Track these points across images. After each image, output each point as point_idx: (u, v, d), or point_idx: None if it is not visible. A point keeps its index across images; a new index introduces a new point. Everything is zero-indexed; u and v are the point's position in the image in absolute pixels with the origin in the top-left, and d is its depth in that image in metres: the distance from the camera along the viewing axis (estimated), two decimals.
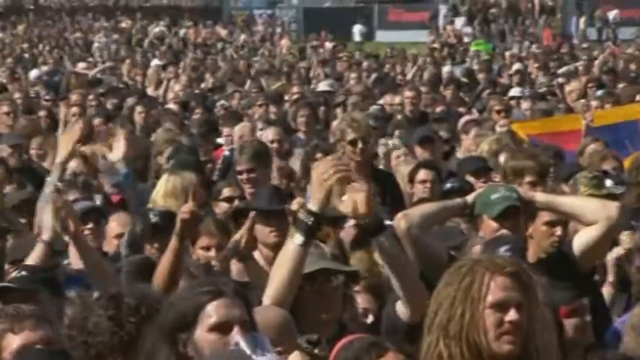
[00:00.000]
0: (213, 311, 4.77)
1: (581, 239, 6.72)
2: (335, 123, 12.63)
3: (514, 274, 4.88)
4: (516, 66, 24.37)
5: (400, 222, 6.71)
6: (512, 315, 4.76)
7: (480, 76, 22.79)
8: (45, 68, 26.24)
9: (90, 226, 7.93)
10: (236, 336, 4.71)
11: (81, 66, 27.97)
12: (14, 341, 5.01)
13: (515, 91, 17.21)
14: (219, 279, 5.61)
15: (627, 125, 11.87)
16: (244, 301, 4.91)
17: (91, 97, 17.92)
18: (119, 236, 8.00)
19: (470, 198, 7.18)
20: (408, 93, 16.58)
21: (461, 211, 7.26)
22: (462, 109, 16.03)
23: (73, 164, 10.36)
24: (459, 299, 4.78)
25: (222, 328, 4.74)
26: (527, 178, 8.84)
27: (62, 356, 4.86)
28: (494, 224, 6.90)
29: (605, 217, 6.69)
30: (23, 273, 6.56)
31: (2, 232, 7.96)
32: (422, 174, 10.11)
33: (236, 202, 9.04)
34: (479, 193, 7.24)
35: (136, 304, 5.27)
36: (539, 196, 7.20)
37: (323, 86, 20.47)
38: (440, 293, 4.88)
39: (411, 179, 10.25)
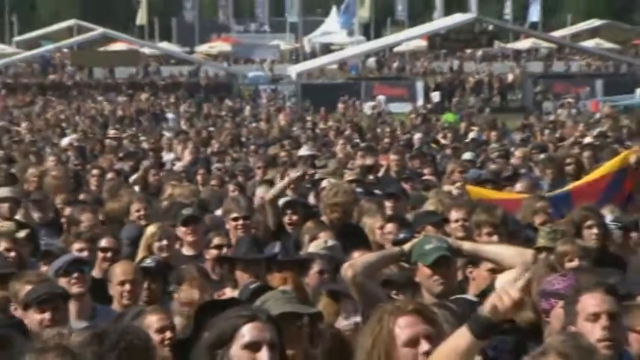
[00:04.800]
0: (246, 332, 4.76)
1: (502, 280, 6.63)
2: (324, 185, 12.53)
3: (416, 310, 4.81)
4: (472, 134, 24.47)
5: (347, 271, 6.66)
6: (424, 346, 4.69)
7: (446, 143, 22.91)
8: (75, 136, 26.16)
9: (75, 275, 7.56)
10: (264, 355, 4.75)
11: (112, 132, 28.03)
12: None
13: (467, 155, 17.17)
14: (256, 307, 5.57)
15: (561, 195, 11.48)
16: (276, 327, 4.89)
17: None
18: (123, 283, 7.78)
19: (407, 247, 7.05)
20: (393, 156, 16.55)
21: (399, 259, 7.15)
22: (425, 171, 15.97)
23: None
24: (375, 346, 4.72)
25: (253, 346, 4.73)
26: (485, 230, 8.89)
27: None
28: (428, 271, 6.80)
29: (521, 262, 6.66)
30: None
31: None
32: (389, 227, 10.03)
33: (224, 250, 9.01)
34: (414, 243, 7.09)
35: (116, 340, 5.25)
36: (466, 245, 7.15)
37: (306, 151, 20.51)
38: (360, 343, 4.84)
39: (381, 228, 10.18)
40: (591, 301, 5.75)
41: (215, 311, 5.65)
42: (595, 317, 5.74)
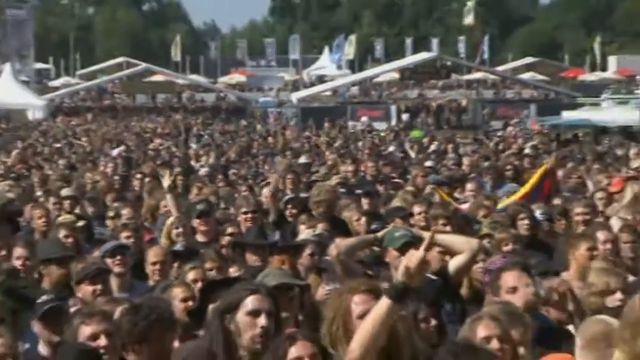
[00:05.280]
0: (249, 302, 4.72)
1: (454, 263, 6.60)
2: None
3: (368, 290, 4.69)
4: (433, 147, 24.44)
5: (333, 250, 6.65)
6: None
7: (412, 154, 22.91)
8: (122, 148, 26.14)
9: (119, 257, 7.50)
10: (262, 320, 4.72)
11: (151, 145, 27.96)
12: (86, 330, 4.91)
13: (428, 163, 17.13)
14: (258, 282, 5.48)
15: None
16: (273, 299, 4.84)
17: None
18: (155, 263, 7.69)
19: (379, 234, 7.04)
20: (370, 164, 16.45)
21: (373, 244, 7.12)
22: (395, 175, 15.94)
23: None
24: (335, 317, 4.63)
25: (254, 313, 4.70)
26: (440, 221, 8.83)
27: (94, 354, 4.63)
28: (396, 253, 6.72)
29: (469, 248, 6.61)
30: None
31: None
32: (362, 220, 9.88)
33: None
34: (386, 232, 7.07)
35: (148, 312, 5.21)
36: (426, 234, 7.00)
37: (304, 159, 20.49)
38: (325, 314, 4.76)
39: (357, 220, 10.11)
40: (510, 278, 5.73)
41: (218, 287, 5.65)
42: (513, 290, 5.74)
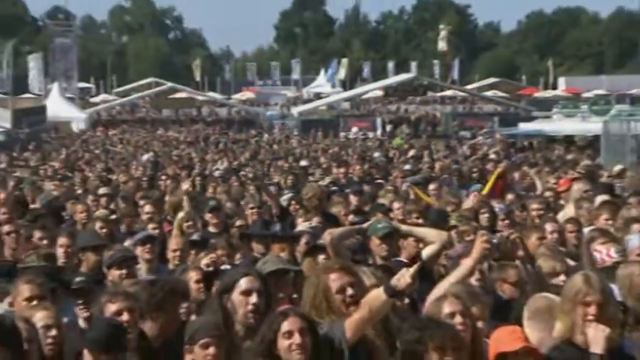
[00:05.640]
0: (242, 283, 4.72)
1: (426, 251, 6.60)
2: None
3: (341, 268, 4.73)
4: (411, 152, 24.37)
5: (327, 236, 6.63)
6: (349, 292, 4.60)
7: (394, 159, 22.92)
8: (151, 154, 26.03)
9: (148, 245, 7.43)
10: (254, 298, 4.69)
11: (175, 152, 27.90)
12: (112, 307, 4.90)
13: (407, 166, 17.12)
14: (251, 267, 5.49)
15: None
16: (263, 280, 4.83)
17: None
18: (175, 250, 7.67)
19: (365, 225, 7.07)
20: (358, 167, 16.45)
21: (359, 233, 7.11)
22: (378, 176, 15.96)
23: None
24: (316, 294, 4.62)
25: (246, 293, 4.69)
26: (414, 215, 8.90)
27: (120, 327, 4.60)
28: (378, 241, 6.79)
29: (439, 239, 6.61)
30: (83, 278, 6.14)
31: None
32: (350, 217, 9.76)
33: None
34: (370, 223, 7.11)
35: (162, 285, 5.23)
36: (403, 227, 7.14)
37: (303, 162, 20.49)
38: (305, 293, 4.73)
39: (345, 215, 10.03)
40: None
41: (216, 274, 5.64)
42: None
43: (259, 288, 4.74)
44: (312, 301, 4.63)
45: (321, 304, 4.58)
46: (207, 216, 9.46)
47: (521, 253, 6.19)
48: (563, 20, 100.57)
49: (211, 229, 9.29)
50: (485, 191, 11.26)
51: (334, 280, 4.61)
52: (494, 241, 5.88)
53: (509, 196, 11.00)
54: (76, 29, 75.05)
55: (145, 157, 24.73)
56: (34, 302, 5.07)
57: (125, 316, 4.73)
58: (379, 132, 48.07)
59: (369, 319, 4.38)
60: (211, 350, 4.26)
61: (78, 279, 5.81)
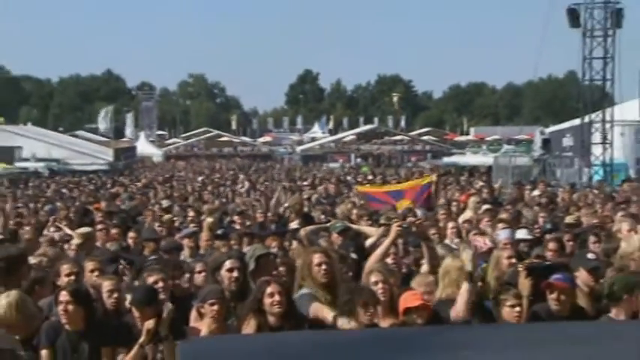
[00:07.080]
0: (228, 263, 4.57)
1: (367, 242, 6.38)
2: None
3: (321, 250, 4.68)
4: (371, 177, 24.05)
5: (302, 231, 6.58)
6: (324, 267, 4.45)
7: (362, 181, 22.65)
8: (202, 177, 25.67)
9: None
10: (235, 274, 4.55)
11: (217, 176, 27.61)
12: (150, 278, 4.69)
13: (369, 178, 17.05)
14: (234, 251, 5.41)
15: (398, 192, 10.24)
16: (243, 262, 4.66)
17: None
18: (206, 241, 7.40)
19: (329, 225, 6.95)
20: (332, 185, 16.30)
21: (325, 230, 6.86)
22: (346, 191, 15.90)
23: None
24: (302, 267, 4.57)
25: (230, 270, 4.56)
26: (364, 218, 8.67)
27: (154, 291, 4.37)
28: (336, 235, 6.59)
29: (377, 234, 6.40)
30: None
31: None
32: (322, 217, 9.43)
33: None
34: (331, 223, 6.99)
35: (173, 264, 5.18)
36: (354, 226, 7.04)
37: (305, 183, 20.31)
38: (298, 269, 4.71)
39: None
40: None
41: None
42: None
43: (239, 266, 4.67)
44: (300, 270, 4.61)
45: (304, 272, 4.52)
46: (235, 218, 9.30)
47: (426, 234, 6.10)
48: (472, 90, 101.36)
49: (237, 226, 9.17)
50: (405, 186, 10.40)
51: (316, 258, 4.53)
52: (405, 225, 5.70)
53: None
54: (156, 96, 75.57)
55: (200, 178, 24.62)
56: (96, 273, 4.97)
57: (160, 284, 4.70)
58: (353, 163, 47.98)
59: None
60: (216, 307, 4.24)
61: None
